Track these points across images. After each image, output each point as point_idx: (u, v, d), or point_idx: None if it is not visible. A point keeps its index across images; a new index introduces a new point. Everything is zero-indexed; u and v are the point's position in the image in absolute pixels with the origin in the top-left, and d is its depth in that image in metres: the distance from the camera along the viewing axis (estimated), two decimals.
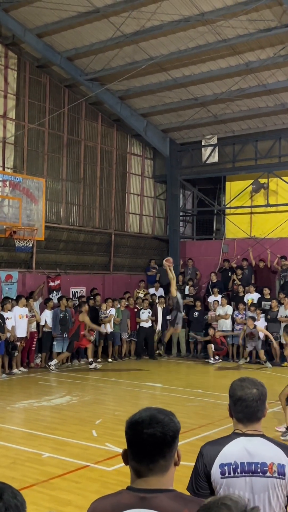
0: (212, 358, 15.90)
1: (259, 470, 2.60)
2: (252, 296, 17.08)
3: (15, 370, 13.84)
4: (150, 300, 17.56)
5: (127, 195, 20.01)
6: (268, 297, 16.64)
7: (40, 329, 14.94)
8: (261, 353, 15.33)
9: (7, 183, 14.46)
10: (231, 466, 2.63)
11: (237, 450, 2.65)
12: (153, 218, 21.17)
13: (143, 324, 16.82)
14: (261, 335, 15.35)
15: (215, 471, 2.66)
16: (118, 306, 16.45)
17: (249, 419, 2.68)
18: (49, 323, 14.97)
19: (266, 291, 16.80)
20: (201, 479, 2.74)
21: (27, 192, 14.81)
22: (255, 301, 16.76)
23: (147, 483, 2.02)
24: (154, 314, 17.19)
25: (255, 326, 15.12)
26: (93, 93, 16.46)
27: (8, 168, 15.77)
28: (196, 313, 17.24)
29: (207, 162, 19.00)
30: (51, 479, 6.46)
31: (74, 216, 17.91)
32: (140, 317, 16.83)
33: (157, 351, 17.39)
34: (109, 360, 16.14)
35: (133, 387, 12.42)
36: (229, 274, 18.32)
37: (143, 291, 18.59)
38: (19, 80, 16.25)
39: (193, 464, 2.84)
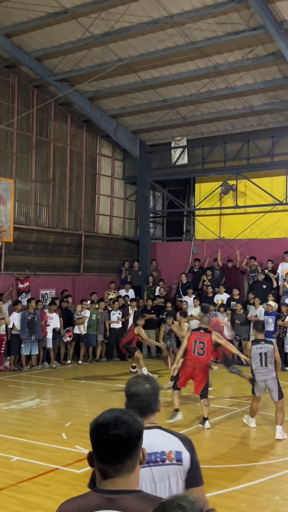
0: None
1: (158, 459, 2.73)
2: (222, 297, 17.23)
3: None
4: (123, 302, 17.54)
5: (97, 196, 19.96)
6: (237, 297, 16.80)
7: (8, 332, 14.79)
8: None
9: None
10: None
11: None
12: (123, 219, 21.17)
13: (113, 326, 16.81)
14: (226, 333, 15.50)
15: None
16: (97, 307, 16.46)
17: (143, 413, 2.75)
18: (17, 326, 14.83)
19: (235, 291, 16.97)
20: None
21: None
22: (225, 302, 16.91)
23: (113, 484, 2.03)
24: (125, 315, 17.18)
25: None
26: (62, 93, 16.38)
27: None
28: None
29: (176, 163, 19.09)
30: (20, 482, 6.40)
31: (43, 217, 17.79)
32: (110, 319, 16.82)
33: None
34: (79, 362, 16.11)
35: (104, 389, 12.39)
36: (200, 275, 18.43)
37: (114, 292, 18.56)
38: None
39: None
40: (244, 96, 16.45)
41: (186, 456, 2.78)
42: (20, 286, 16.28)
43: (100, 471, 2.07)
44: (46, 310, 15.59)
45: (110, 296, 18.09)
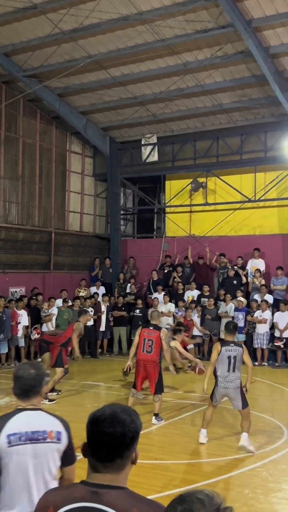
0: None
1: (40, 438, 3.04)
2: (192, 293, 17.35)
3: None
4: (95, 301, 17.50)
5: (67, 193, 19.85)
6: (207, 294, 16.94)
7: None
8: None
9: None
10: (17, 436, 3.02)
11: (21, 422, 3.07)
12: (94, 216, 21.10)
13: None
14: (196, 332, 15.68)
15: (3, 442, 3.00)
16: (71, 303, 16.37)
17: (25, 395, 3.13)
18: None
19: (206, 288, 17.10)
20: None
21: None
22: (195, 298, 17.04)
23: (101, 479, 2.04)
24: (97, 312, 17.15)
25: None
26: (31, 89, 16.23)
27: None
28: (138, 311, 17.31)
29: (147, 161, 19.12)
30: None
31: (12, 215, 17.60)
32: None
33: (99, 350, 17.37)
34: None
35: (75, 386, 12.35)
36: (170, 272, 18.52)
37: (84, 289, 18.51)
38: None
39: None
40: (214, 94, 16.55)
41: (64, 436, 3.11)
42: None
43: (90, 464, 2.09)
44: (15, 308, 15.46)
45: (81, 294, 18.03)
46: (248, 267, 17.41)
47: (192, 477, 6.53)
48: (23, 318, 15.38)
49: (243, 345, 8.04)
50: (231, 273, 17.16)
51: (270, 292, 16.51)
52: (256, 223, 18.37)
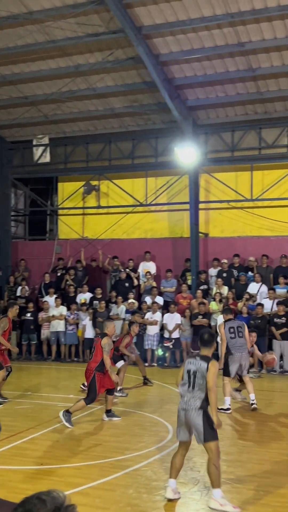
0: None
1: None
2: (84, 296, 17.32)
3: None
4: None
5: None
6: (100, 296, 17.00)
7: None
8: None
9: None
10: None
11: None
12: None
13: None
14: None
15: None
16: None
17: None
18: None
19: (98, 290, 17.15)
20: None
21: None
22: (88, 301, 17.02)
23: None
24: None
25: None
26: None
27: None
28: (29, 314, 17.01)
29: (39, 162, 18.84)
30: None
31: None
32: None
33: None
34: None
35: None
36: (63, 274, 18.37)
37: None
38: None
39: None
40: (105, 97, 16.68)
41: None
42: None
43: None
44: None
45: None
46: (139, 270, 17.69)
47: (77, 480, 6.51)
48: None
49: (211, 361, 5.98)
50: (123, 275, 17.35)
51: (160, 294, 16.89)
52: (147, 227, 18.73)
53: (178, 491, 5.98)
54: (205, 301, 15.83)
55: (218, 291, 16.00)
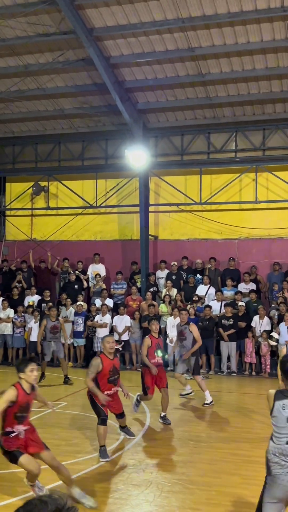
0: None
1: None
2: (33, 298, 17.09)
3: None
4: None
5: None
6: (48, 299, 16.82)
7: None
8: None
9: None
10: None
11: None
12: None
13: None
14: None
15: None
16: None
17: None
18: None
19: (47, 293, 16.96)
20: None
21: None
22: (36, 303, 16.81)
23: None
24: None
25: None
26: None
27: None
28: None
29: None
30: None
31: None
32: None
33: None
34: None
35: None
36: (9, 276, 18.06)
37: None
38: None
39: None
40: (55, 98, 16.54)
41: None
42: None
43: None
44: None
45: None
46: (89, 272, 17.62)
47: (26, 488, 6.42)
48: None
49: None
50: (73, 277, 17.24)
51: (110, 296, 16.87)
52: (97, 229, 18.68)
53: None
54: (154, 303, 15.93)
55: (167, 293, 16.14)
